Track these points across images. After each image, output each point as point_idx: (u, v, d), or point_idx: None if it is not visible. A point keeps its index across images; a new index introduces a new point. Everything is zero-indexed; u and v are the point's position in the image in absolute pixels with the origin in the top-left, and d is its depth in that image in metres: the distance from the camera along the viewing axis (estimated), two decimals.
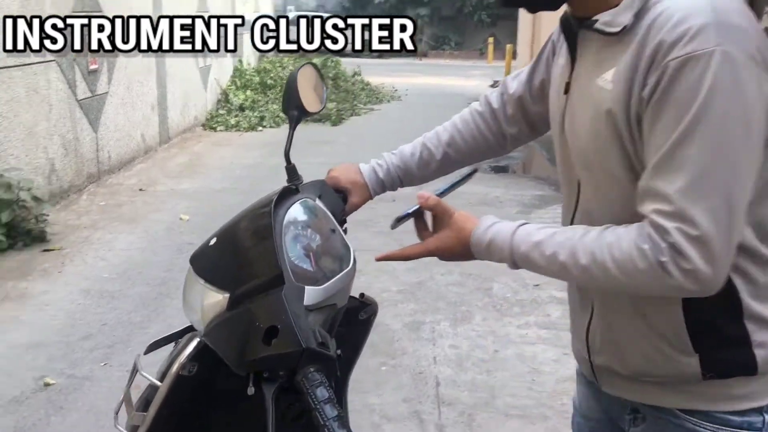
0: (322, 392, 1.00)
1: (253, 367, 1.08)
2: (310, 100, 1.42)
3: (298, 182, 1.38)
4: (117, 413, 1.34)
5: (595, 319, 1.21)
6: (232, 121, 10.14)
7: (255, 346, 1.06)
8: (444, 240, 1.18)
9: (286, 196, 1.27)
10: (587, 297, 1.23)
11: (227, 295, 1.14)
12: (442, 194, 1.25)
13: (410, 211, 1.22)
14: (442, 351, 3.51)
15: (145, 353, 1.43)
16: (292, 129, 1.40)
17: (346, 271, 1.21)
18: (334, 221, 1.30)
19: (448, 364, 3.38)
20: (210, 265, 1.21)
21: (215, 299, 1.16)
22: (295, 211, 1.24)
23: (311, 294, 1.12)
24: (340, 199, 1.43)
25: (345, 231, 1.41)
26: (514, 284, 4.26)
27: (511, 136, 1.46)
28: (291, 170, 1.38)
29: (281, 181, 1.37)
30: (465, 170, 1.34)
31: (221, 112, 10.64)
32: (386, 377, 3.25)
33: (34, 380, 3.18)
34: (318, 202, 1.32)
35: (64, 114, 5.99)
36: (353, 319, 1.37)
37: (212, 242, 1.23)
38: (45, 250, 4.85)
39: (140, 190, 6.57)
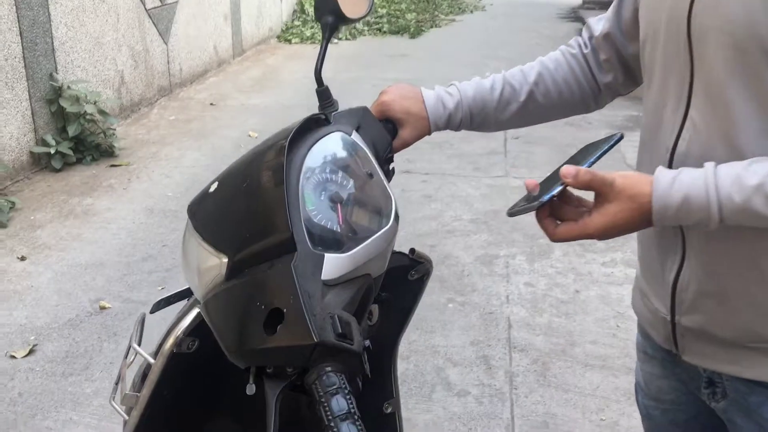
0: (338, 403, 0.74)
1: (253, 360, 0.83)
2: (350, 2, 1.10)
3: (332, 109, 1.08)
4: (118, 384, 1.14)
5: (690, 268, 0.96)
6: (308, 33, 9.78)
7: (254, 334, 0.80)
8: (615, 216, 0.88)
9: (311, 128, 0.98)
10: (676, 237, 0.96)
11: (225, 260, 0.87)
12: (590, 167, 0.91)
13: (555, 192, 0.87)
14: (516, 289, 3.22)
15: (151, 312, 1.21)
16: (326, 40, 1.09)
17: (384, 230, 0.91)
18: (375, 163, 0.99)
19: (522, 305, 3.09)
20: (208, 217, 0.94)
21: (213, 263, 0.89)
22: (322, 149, 0.95)
23: (333, 264, 0.84)
24: (387, 131, 1.13)
25: (392, 172, 1.12)
26: None
27: (605, 86, 1.22)
28: (323, 93, 1.08)
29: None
30: (610, 137, 0.95)
31: (296, 23, 10.27)
32: (453, 316, 3.00)
33: (90, 303, 3.10)
34: (355, 136, 1.02)
35: (133, 24, 5.80)
36: (402, 280, 1.10)
37: (213, 188, 0.95)
38: (112, 166, 4.77)
39: (211, 104, 6.40)
